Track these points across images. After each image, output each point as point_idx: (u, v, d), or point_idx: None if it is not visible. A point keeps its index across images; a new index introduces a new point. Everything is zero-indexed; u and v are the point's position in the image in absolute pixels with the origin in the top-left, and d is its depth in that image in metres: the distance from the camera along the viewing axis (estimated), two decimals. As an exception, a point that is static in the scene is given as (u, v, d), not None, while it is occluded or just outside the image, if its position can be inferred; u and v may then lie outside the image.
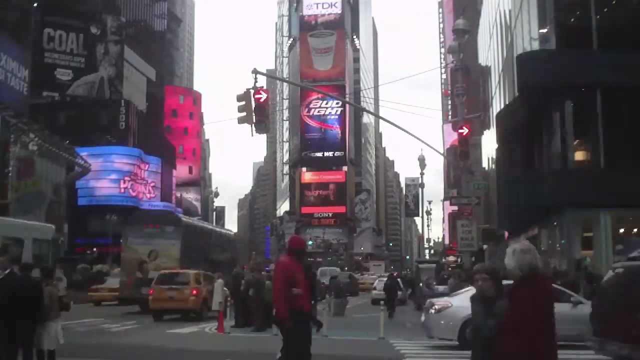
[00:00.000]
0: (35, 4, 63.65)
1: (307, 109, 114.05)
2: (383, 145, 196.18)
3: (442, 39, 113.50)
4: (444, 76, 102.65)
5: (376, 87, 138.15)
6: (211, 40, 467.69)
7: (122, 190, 62.99)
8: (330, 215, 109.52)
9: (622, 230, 21.64)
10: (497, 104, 32.90)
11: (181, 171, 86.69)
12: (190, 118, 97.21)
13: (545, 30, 22.52)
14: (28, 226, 22.15)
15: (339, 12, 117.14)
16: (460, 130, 21.82)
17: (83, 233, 56.67)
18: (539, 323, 4.01)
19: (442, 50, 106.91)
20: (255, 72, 17.43)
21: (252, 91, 17.18)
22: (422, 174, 47.08)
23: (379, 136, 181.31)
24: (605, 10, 22.33)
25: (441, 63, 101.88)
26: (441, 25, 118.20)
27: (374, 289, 32.98)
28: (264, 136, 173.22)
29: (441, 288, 21.63)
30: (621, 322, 8.68)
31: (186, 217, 38.99)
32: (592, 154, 21.70)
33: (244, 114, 17.11)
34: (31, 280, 9.36)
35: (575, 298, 13.79)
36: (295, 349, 7.79)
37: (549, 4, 22.06)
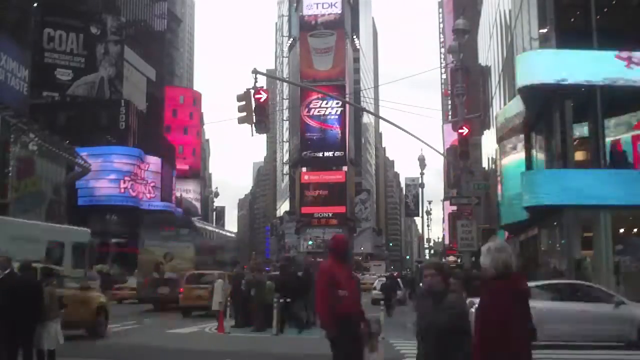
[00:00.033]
0: (35, 4, 63.63)
1: (307, 109, 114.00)
2: (383, 145, 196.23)
3: (442, 39, 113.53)
4: (444, 76, 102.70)
5: (376, 87, 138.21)
6: (211, 40, 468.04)
7: (122, 190, 62.98)
8: (330, 215, 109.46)
9: (622, 230, 21.64)
10: (497, 104, 32.91)
11: (181, 171, 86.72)
12: (190, 118, 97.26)
13: (545, 30, 22.52)
14: (68, 230, 23.98)
15: (339, 12, 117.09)
16: (460, 130, 21.81)
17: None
18: (508, 320, 4.04)
19: (442, 50, 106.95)
20: (255, 72, 17.43)
21: (252, 91, 17.18)
22: (422, 174, 47.11)
23: (379, 136, 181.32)
24: (605, 10, 22.33)
25: (441, 63, 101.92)
26: (441, 25, 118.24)
27: (374, 288, 32.98)
28: (264, 136, 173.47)
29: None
30: None
31: (200, 221, 41.72)
32: (592, 154, 21.70)
33: (244, 114, 17.11)
34: (31, 280, 9.37)
35: (618, 298, 13.68)
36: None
37: (549, 4, 22.06)
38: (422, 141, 23.53)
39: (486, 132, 40.94)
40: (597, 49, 20.79)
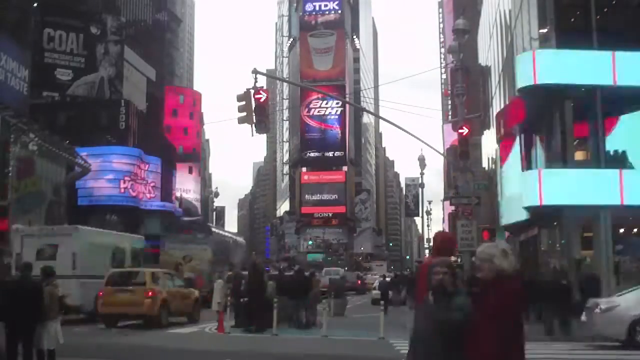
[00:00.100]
0: (35, 4, 63.57)
1: (307, 109, 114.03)
2: (383, 145, 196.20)
3: (442, 39, 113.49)
4: (444, 76, 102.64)
5: (376, 87, 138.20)
6: (211, 40, 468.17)
7: (122, 190, 62.91)
8: (330, 215, 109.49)
9: (622, 230, 21.65)
10: (497, 104, 32.91)
11: (181, 171, 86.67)
12: (190, 118, 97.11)
13: (545, 30, 22.53)
14: (128, 237, 26.49)
15: (339, 12, 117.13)
16: (460, 130, 21.79)
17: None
18: (516, 320, 4.08)
19: (442, 50, 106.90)
20: (255, 72, 17.43)
21: (252, 91, 17.18)
22: (422, 174, 47.08)
23: (379, 136, 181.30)
24: (605, 10, 22.34)
25: (441, 63, 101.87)
26: (441, 25, 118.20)
27: (374, 288, 33.07)
28: (264, 136, 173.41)
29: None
30: None
31: (215, 226, 46.18)
32: (592, 154, 21.71)
33: (244, 114, 17.11)
34: (31, 280, 9.38)
35: None
36: None
37: (549, 4, 22.06)
38: (422, 141, 23.54)
39: (486, 132, 40.93)
40: (597, 49, 20.80)
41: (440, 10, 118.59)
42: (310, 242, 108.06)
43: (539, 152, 24.82)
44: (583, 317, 14.29)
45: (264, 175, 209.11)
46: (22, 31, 53.86)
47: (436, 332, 4.23)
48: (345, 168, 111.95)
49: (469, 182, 25.53)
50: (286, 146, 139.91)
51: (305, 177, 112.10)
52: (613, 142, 21.59)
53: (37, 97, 61.33)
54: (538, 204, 21.01)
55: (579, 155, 22.37)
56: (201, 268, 28.73)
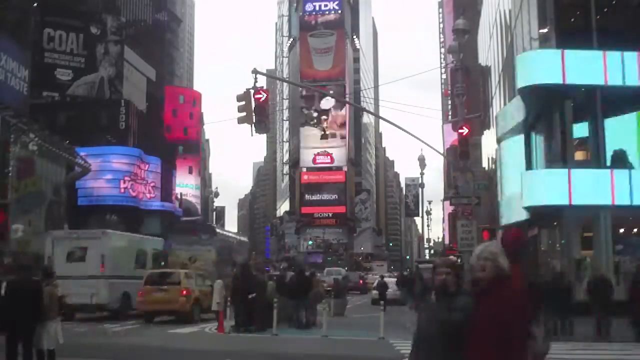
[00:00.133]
0: (35, 4, 63.59)
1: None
2: (383, 145, 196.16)
3: (442, 39, 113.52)
4: (444, 76, 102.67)
5: (376, 87, 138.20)
6: (211, 40, 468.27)
7: (122, 190, 62.93)
8: (330, 215, 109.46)
9: (622, 230, 21.64)
10: (497, 104, 32.91)
11: (181, 171, 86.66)
12: (190, 118, 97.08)
13: (545, 30, 22.53)
14: (149, 240, 27.76)
15: (339, 12, 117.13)
16: (460, 130, 21.80)
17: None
18: (521, 322, 4.06)
19: (442, 50, 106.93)
20: (255, 72, 17.44)
21: (252, 91, 17.19)
22: (422, 174, 47.07)
23: (379, 136, 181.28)
24: (605, 10, 22.33)
25: (441, 63, 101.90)
26: (441, 25, 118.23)
27: (374, 289, 33.15)
28: (264, 136, 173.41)
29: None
30: None
31: (219, 227, 48.39)
32: (592, 154, 21.70)
33: (244, 114, 17.11)
34: (31, 280, 9.38)
35: None
36: None
37: (549, 4, 22.07)
38: (422, 141, 23.54)
39: (486, 132, 40.94)
40: (597, 49, 20.79)
41: (440, 10, 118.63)
42: (310, 242, 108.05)
43: (539, 152, 24.82)
44: None
45: (264, 175, 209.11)
46: (22, 31, 53.87)
47: (438, 332, 4.20)
48: (345, 168, 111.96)
49: (469, 182, 25.55)
50: (286, 146, 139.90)
51: (305, 177, 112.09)
52: (613, 142, 21.59)
53: (37, 97, 61.35)
54: (538, 204, 21.01)
55: (579, 155, 22.37)
56: (205, 268, 29.39)
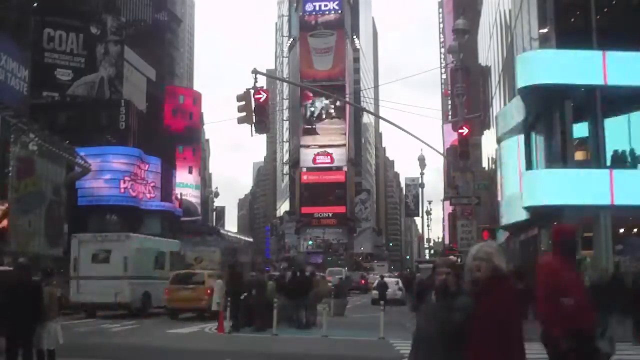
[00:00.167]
0: (35, 4, 63.61)
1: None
2: (383, 145, 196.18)
3: (442, 39, 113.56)
4: (444, 76, 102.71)
5: (376, 87, 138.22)
6: (211, 40, 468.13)
7: (122, 190, 62.92)
8: (330, 215, 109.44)
9: (622, 230, 21.63)
10: (497, 104, 32.91)
11: (181, 171, 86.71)
12: (190, 118, 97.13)
13: (545, 30, 22.52)
14: (167, 242, 29.02)
15: (339, 12, 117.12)
16: (460, 130, 21.81)
17: (83, 233, 56.51)
18: (516, 320, 4.08)
19: (442, 50, 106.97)
20: (255, 72, 17.44)
21: (252, 91, 17.19)
22: (422, 174, 47.09)
23: (379, 136, 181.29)
24: (605, 10, 22.32)
25: (441, 63, 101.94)
26: (441, 25, 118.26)
27: (374, 288, 33.17)
28: (264, 136, 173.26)
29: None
30: None
31: (224, 229, 50.85)
32: (592, 154, 21.69)
33: (244, 114, 17.11)
34: (30, 280, 9.38)
35: None
36: None
37: (549, 4, 22.05)
38: (422, 141, 23.55)
39: (486, 132, 40.93)
40: (597, 49, 20.79)
41: (440, 10, 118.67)
42: (310, 242, 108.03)
43: (539, 152, 24.81)
44: None
45: (264, 175, 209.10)
46: (22, 31, 53.89)
47: (437, 332, 4.20)
48: (345, 168, 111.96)
49: (469, 182, 25.59)
50: (286, 146, 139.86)
51: (305, 177, 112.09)
52: (613, 142, 21.58)
53: (37, 97, 61.35)
54: (538, 204, 21.00)
55: (579, 155, 22.35)
56: (210, 268, 30.54)
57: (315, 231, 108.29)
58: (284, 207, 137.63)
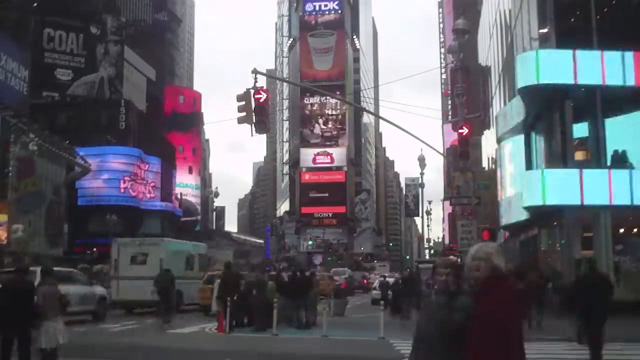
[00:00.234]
0: (35, 4, 63.64)
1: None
2: (383, 145, 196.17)
3: (442, 39, 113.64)
4: (444, 76, 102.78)
5: (376, 87, 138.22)
6: (211, 40, 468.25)
7: (122, 190, 62.94)
8: (330, 215, 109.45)
9: (622, 230, 21.64)
10: (497, 104, 32.91)
11: (181, 171, 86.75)
12: (191, 118, 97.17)
13: (545, 30, 22.53)
14: (195, 245, 30.43)
15: (339, 12, 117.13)
16: (460, 130, 21.79)
17: (83, 233, 56.64)
18: (515, 320, 4.08)
19: (442, 50, 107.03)
20: (255, 72, 17.42)
21: (252, 91, 17.17)
22: (422, 174, 47.03)
23: (379, 136, 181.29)
24: (605, 10, 22.33)
25: (441, 63, 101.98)
26: (441, 25, 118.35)
27: (374, 289, 33.12)
28: (264, 136, 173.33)
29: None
30: None
31: (235, 233, 52.90)
32: (592, 154, 21.70)
33: (244, 114, 17.10)
34: (25, 281, 9.41)
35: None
36: None
37: (549, 4, 22.06)
38: (422, 141, 23.53)
39: (486, 132, 40.96)
40: (597, 49, 20.79)
41: (440, 10, 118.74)
42: (310, 242, 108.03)
43: (539, 152, 24.82)
44: None
45: (264, 175, 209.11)
46: (22, 31, 53.91)
47: (437, 332, 4.20)
48: (345, 168, 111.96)
49: (469, 182, 25.56)
50: (286, 146, 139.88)
51: (306, 177, 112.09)
52: (613, 142, 21.59)
53: (37, 97, 61.40)
54: (538, 204, 21.01)
55: (579, 155, 22.36)
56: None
57: (315, 231, 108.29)
58: (284, 207, 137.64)
